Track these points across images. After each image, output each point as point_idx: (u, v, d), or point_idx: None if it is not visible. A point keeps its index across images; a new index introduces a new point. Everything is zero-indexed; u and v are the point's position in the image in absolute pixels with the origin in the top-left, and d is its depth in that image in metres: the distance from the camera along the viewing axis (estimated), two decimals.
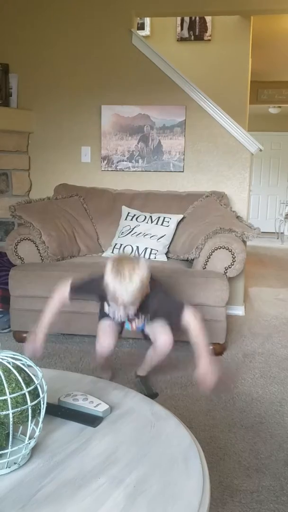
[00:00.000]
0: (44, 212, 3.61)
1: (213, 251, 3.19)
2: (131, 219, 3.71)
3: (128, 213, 3.78)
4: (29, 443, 1.14)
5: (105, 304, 2.32)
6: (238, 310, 4.18)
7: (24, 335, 3.36)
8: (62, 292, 2.31)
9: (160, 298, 2.33)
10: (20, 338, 3.38)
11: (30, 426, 1.13)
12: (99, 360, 2.62)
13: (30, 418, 1.11)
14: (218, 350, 3.22)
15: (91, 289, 2.31)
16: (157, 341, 2.41)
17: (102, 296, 2.25)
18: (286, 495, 1.84)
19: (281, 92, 8.51)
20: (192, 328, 2.13)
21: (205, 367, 1.99)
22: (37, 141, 4.33)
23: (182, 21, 5.28)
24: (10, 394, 1.08)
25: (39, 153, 4.33)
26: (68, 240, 3.59)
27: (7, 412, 1.07)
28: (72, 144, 4.28)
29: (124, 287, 2.03)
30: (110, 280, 2.06)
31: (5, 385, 1.08)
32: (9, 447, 1.09)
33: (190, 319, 2.15)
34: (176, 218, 3.68)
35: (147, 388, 2.67)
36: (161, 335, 2.39)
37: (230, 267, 3.18)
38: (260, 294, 4.99)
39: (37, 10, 4.19)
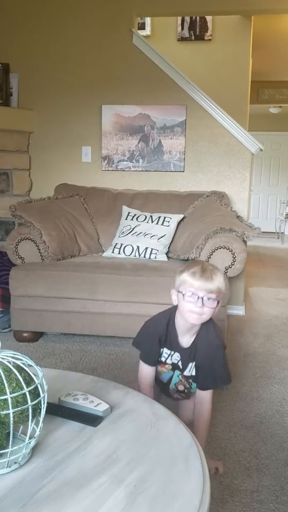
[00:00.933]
0: (44, 211, 3.61)
1: (214, 251, 3.19)
2: (132, 219, 3.71)
3: (129, 212, 3.78)
4: (30, 442, 1.14)
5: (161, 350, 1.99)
6: (239, 310, 4.18)
7: (25, 334, 3.38)
8: (144, 373, 2.00)
9: (214, 340, 1.96)
10: (20, 337, 3.38)
11: (31, 425, 1.13)
12: None
13: (30, 417, 1.11)
14: None
15: (150, 333, 2.01)
16: (202, 409, 2.00)
17: (160, 334, 1.96)
18: (286, 494, 1.84)
19: (282, 92, 8.51)
20: (205, 408, 1.94)
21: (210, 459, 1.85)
22: (37, 140, 4.33)
23: (183, 21, 5.28)
24: (10, 393, 1.08)
25: (40, 152, 4.33)
26: (68, 240, 3.59)
27: (7, 411, 1.07)
28: (73, 144, 4.29)
29: (207, 275, 1.80)
30: (187, 274, 1.82)
31: (6, 384, 1.08)
32: (10, 446, 1.09)
33: (209, 397, 1.95)
34: (176, 218, 3.68)
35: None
36: (207, 404, 1.99)
37: (230, 267, 3.18)
38: (261, 294, 4.99)
39: (38, 10, 4.19)
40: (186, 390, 2.05)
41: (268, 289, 5.22)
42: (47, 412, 1.18)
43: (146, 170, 4.17)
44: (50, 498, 1.03)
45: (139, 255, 3.53)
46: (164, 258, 3.54)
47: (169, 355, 1.97)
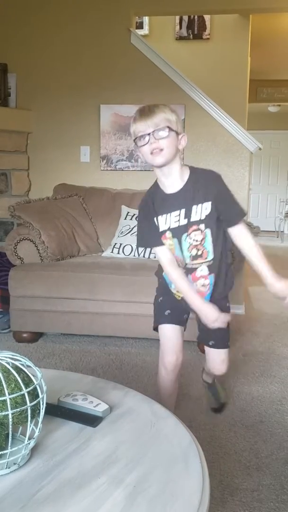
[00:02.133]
0: (43, 212, 3.60)
1: None
2: (131, 219, 3.71)
3: (128, 212, 3.77)
4: (29, 443, 1.14)
5: (159, 220, 1.90)
6: (238, 309, 4.18)
7: (24, 335, 3.37)
8: (163, 258, 1.94)
9: (215, 177, 1.98)
10: (20, 338, 3.38)
11: (30, 426, 1.12)
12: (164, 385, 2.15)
13: (29, 418, 1.11)
14: None
15: (142, 216, 1.95)
16: (213, 369, 2.19)
17: (150, 206, 1.91)
18: (286, 493, 1.84)
19: (281, 90, 8.51)
20: (249, 241, 1.91)
21: (280, 281, 1.89)
22: (36, 141, 4.32)
23: (181, 20, 5.28)
24: (9, 394, 1.08)
25: (38, 153, 4.33)
26: (67, 240, 3.59)
27: (6, 412, 1.07)
28: (71, 144, 4.28)
29: (146, 111, 1.80)
30: (131, 123, 1.82)
31: (4, 385, 1.08)
32: (9, 447, 1.09)
33: (244, 228, 1.91)
34: None
35: (215, 398, 2.46)
36: (215, 365, 2.15)
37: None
38: (260, 293, 4.98)
39: (36, 10, 4.19)
40: (200, 250, 1.89)
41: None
42: (46, 412, 1.18)
43: (145, 170, 4.17)
44: (50, 499, 1.03)
45: (138, 255, 3.53)
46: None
47: (165, 221, 1.88)
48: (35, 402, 1.12)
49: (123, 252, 3.55)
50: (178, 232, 1.88)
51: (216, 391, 2.47)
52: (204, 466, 1.17)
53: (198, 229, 1.87)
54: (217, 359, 2.14)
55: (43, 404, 1.15)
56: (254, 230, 3.29)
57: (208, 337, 2.11)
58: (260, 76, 7.39)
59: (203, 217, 1.86)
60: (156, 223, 1.90)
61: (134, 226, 3.64)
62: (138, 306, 3.16)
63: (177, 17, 5.26)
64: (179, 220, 1.87)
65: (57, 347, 3.31)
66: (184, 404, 2.52)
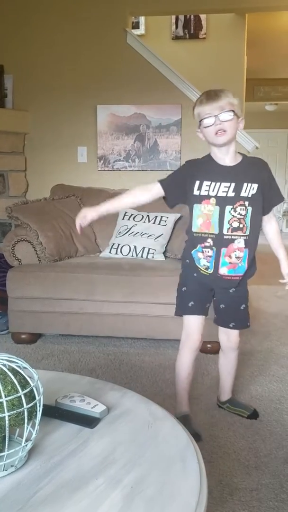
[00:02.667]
0: (41, 213, 3.60)
1: None
2: (128, 219, 3.71)
3: (125, 212, 3.77)
4: (26, 445, 1.14)
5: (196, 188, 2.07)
6: None
7: (23, 336, 3.37)
8: (152, 188, 2.21)
9: (265, 164, 2.19)
10: (18, 339, 3.38)
11: (27, 428, 1.13)
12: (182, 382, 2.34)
13: (26, 420, 1.11)
14: (216, 348, 3.20)
15: (180, 173, 2.22)
16: (228, 339, 2.37)
17: (194, 169, 2.13)
18: (285, 492, 1.84)
19: (277, 89, 8.51)
20: (276, 226, 2.24)
21: None
22: (33, 141, 4.33)
23: (177, 19, 5.29)
24: (5, 396, 1.08)
25: (35, 153, 4.33)
26: (65, 241, 3.59)
27: (3, 415, 1.07)
28: (68, 145, 4.29)
29: (212, 95, 2.00)
30: (197, 106, 2.04)
31: (1, 388, 1.08)
32: (6, 450, 1.09)
33: (273, 216, 2.22)
34: (173, 217, 3.68)
35: (244, 408, 2.44)
36: (233, 334, 2.35)
37: None
38: (259, 291, 4.99)
39: (32, 11, 4.19)
40: (242, 224, 2.05)
41: (266, 286, 5.22)
42: (43, 414, 1.18)
43: (142, 170, 4.17)
44: (47, 501, 1.03)
45: (136, 255, 3.52)
46: (162, 257, 3.54)
47: (210, 187, 2.04)
48: (32, 404, 1.12)
49: (121, 252, 3.55)
50: (222, 202, 2.03)
51: (237, 401, 2.50)
52: (202, 467, 1.17)
53: (243, 205, 2.04)
54: (234, 337, 2.37)
55: (40, 406, 1.15)
56: None
57: (228, 319, 2.34)
58: (257, 75, 7.40)
59: (249, 195, 2.04)
60: (192, 186, 2.08)
61: (132, 226, 3.64)
62: (137, 306, 3.16)
63: (173, 17, 5.27)
64: (227, 192, 2.03)
65: (56, 348, 3.31)
66: None
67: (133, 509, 1.01)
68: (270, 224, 2.23)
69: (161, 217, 3.66)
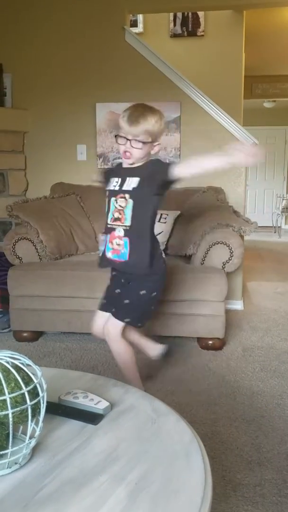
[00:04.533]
0: (41, 211, 3.60)
1: (211, 247, 3.19)
2: None
3: None
4: (30, 442, 1.14)
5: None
6: (237, 305, 4.18)
7: (24, 334, 3.37)
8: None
9: (155, 160, 2.31)
10: (20, 337, 3.38)
11: (31, 425, 1.12)
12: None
13: (30, 417, 1.11)
14: (218, 344, 3.22)
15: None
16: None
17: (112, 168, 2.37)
18: None
19: (275, 86, 8.50)
20: (190, 161, 2.32)
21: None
22: (32, 140, 4.32)
23: (175, 17, 5.27)
24: (9, 394, 1.08)
25: (35, 152, 4.32)
26: (66, 239, 3.59)
27: (6, 412, 1.07)
28: (68, 143, 4.28)
29: (133, 118, 2.11)
30: (120, 117, 2.16)
31: (4, 385, 1.08)
32: (10, 447, 1.08)
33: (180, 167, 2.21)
34: (173, 214, 3.68)
35: (168, 352, 2.68)
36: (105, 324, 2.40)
37: (228, 262, 3.18)
38: (259, 288, 4.99)
39: (30, 9, 4.18)
40: (120, 215, 2.22)
41: (266, 283, 5.23)
42: (47, 411, 1.18)
43: None
44: (52, 498, 1.03)
45: None
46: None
47: (110, 182, 2.26)
48: (35, 401, 1.12)
49: None
50: (111, 195, 2.25)
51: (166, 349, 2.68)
52: (206, 462, 1.17)
53: (124, 198, 2.20)
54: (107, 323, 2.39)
55: (43, 402, 1.15)
56: (252, 226, 3.30)
57: (112, 303, 2.41)
58: (255, 72, 7.39)
59: (130, 189, 2.18)
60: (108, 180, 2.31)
61: None
62: None
63: (171, 15, 5.26)
64: (115, 186, 2.24)
65: (57, 345, 3.31)
66: (185, 400, 2.52)
67: (138, 506, 1.01)
68: (186, 163, 2.35)
69: (161, 214, 3.66)
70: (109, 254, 2.29)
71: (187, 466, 1.15)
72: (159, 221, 3.62)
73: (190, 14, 5.22)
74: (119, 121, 2.16)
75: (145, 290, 2.33)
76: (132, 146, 2.12)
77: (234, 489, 1.83)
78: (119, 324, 2.34)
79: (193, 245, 3.28)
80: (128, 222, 2.20)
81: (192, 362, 3.03)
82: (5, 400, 1.07)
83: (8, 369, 1.11)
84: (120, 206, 2.20)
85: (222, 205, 3.72)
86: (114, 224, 2.24)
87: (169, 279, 3.09)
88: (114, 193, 2.23)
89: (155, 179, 2.17)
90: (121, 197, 2.20)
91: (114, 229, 2.24)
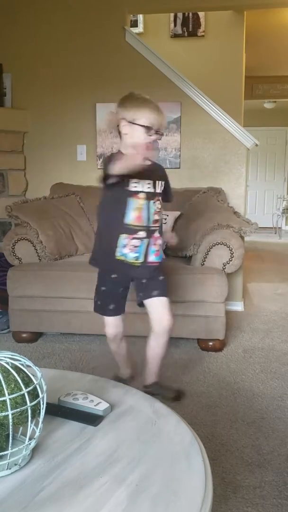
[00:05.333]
0: (41, 211, 3.60)
1: (211, 247, 3.18)
2: None
3: None
4: (30, 443, 1.13)
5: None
6: (237, 306, 4.18)
7: (24, 335, 3.37)
8: None
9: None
10: (19, 338, 3.37)
11: (30, 426, 1.12)
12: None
13: (30, 418, 1.10)
14: (218, 346, 3.21)
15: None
16: (161, 322, 2.39)
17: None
18: None
19: (276, 86, 8.50)
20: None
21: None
22: (32, 140, 4.31)
23: (175, 17, 5.27)
24: (9, 394, 1.07)
25: (35, 152, 4.31)
26: (65, 239, 3.58)
27: (6, 413, 1.06)
28: (68, 143, 4.27)
29: (154, 103, 2.18)
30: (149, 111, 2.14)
31: (4, 386, 1.07)
32: (9, 448, 1.08)
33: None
34: (173, 215, 3.67)
35: (167, 390, 2.49)
36: (164, 315, 2.38)
37: (228, 263, 3.17)
38: (259, 289, 4.99)
39: (30, 9, 4.17)
40: (159, 217, 2.29)
41: (267, 284, 5.22)
42: (46, 412, 1.18)
43: None
44: (52, 500, 1.03)
45: None
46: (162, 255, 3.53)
47: (138, 183, 2.18)
48: (35, 402, 1.12)
49: None
50: (148, 197, 2.20)
51: (165, 385, 2.54)
52: (207, 464, 1.16)
53: (159, 200, 2.26)
54: (162, 309, 2.40)
55: (43, 404, 1.15)
56: (252, 226, 3.29)
57: (151, 289, 2.41)
58: (256, 72, 7.39)
59: (160, 192, 2.26)
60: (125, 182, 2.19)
61: None
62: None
63: (172, 15, 5.25)
64: (150, 188, 2.21)
65: (57, 346, 3.31)
66: (185, 402, 2.52)
67: (138, 507, 1.00)
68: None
69: None
70: (151, 258, 2.29)
71: (188, 468, 1.14)
72: None
73: (190, 14, 5.22)
74: (150, 115, 2.12)
75: (162, 275, 2.44)
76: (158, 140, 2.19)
77: (234, 491, 1.83)
78: (168, 301, 2.41)
79: (193, 246, 3.28)
80: (160, 222, 2.31)
81: (192, 363, 3.02)
82: (5, 401, 1.07)
83: (8, 370, 1.10)
84: (158, 208, 2.24)
85: (223, 206, 3.72)
86: (154, 226, 2.26)
87: (169, 280, 3.09)
88: (150, 196, 2.21)
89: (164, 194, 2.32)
90: (157, 200, 2.24)
91: (154, 231, 2.27)
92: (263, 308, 4.27)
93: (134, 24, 5.21)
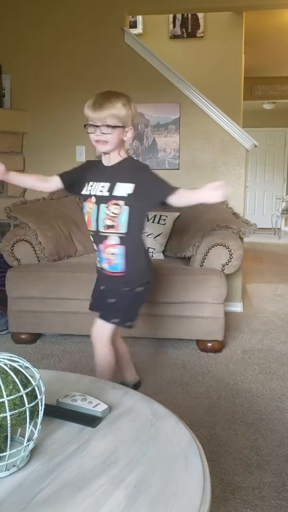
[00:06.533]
0: (39, 212, 3.59)
1: (210, 248, 3.18)
2: None
3: None
4: (28, 445, 1.13)
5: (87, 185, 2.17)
6: (237, 307, 4.18)
7: (23, 336, 3.36)
8: (52, 180, 2.28)
9: (143, 166, 2.21)
10: (18, 339, 3.37)
11: (29, 428, 1.12)
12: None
13: (28, 420, 1.10)
14: (217, 347, 3.21)
15: (78, 168, 2.30)
16: (92, 333, 2.33)
17: (89, 166, 2.26)
18: (287, 491, 1.83)
19: (275, 87, 8.50)
20: (182, 193, 2.11)
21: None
22: (31, 141, 4.31)
23: (174, 18, 5.28)
24: (7, 396, 1.07)
25: (34, 153, 4.31)
26: (64, 240, 3.58)
27: (5, 414, 1.06)
28: (67, 144, 4.27)
29: (99, 104, 2.04)
30: (85, 106, 2.08)
31: (2, 387, 1.07)
32: (8, 449, 1.08)
33: (176, 194, 2.08)
34: (172, 216, 3.68)
35: (137, 385, 2.59)
36: (95, 338, 2.33)
37: (227, 264, 3.17)
38: (258, 290, 4.98)
39: (29, 10, 4.17)
40: (115, 222, 2.10)
41: (266, 285, 5.22)
42: (45, 414, 1.18)
43: None
44: (50, 501, 1.03)
45: None
46: (161, 256, 3.54)
47: (93, 187, 2.12)
48: (33, 403, 1.11)
49: None
50: (99, 201, 2.10)
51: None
52: (205, 465, 1.16)
53: (117, 204, 2.08)
54: (97, 330, 2.30)
55: (41, 405, 1.15)
56: (251, 227, 3.29)
57: (99, 305, 2.36)
58: (255, 73, 7.38)
59: (124, 195, 2.07)
60: (84, 186, 2.17)
61: None
62: None
63: (171, 16, 5.26)
64: (102, 191, 2.10)
65: (56, 347, 3.30)
66: (184, 403, 2.52)
67: (136, 509, 1.00)
68: (178, 196, 2.11)
69: (160, 216, 3.66)
70: (104, 265, 2.23)
71: (186, 469, 1.14)
72: (158, 222, 3.62)
73: (189, 15, 5.22)
74: (85, 111, 2.08)
75: (129, 286, 2.23)
76: (102, 133, 2.03)
77: (233, 492, 1.83)
78: (108, 326, 2.26)
79: (192, 247, 3.28)
80: (124, 229, 2.11)
81: (191, 364, 3.02)
82: (3, 403, 1.07)
83: (6, 371, 1.10)
84: (113, 213, 2.08)
85: (222, 206, 3.72)
86: (105, 232, 2.14)
87: (168, 280, 3.09)
88: (102, 199, 2.09)
89: (152, 197, 2.10)
90: (115, 204, 2.08)
91: (106, 237, 2.14)
92: (262, 309, 4.27)
93: (133, 25, 5.22)
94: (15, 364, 1.13)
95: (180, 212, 3.72)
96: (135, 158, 2.26)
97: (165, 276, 3.12)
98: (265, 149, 10.40)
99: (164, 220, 3.63)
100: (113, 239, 2.13)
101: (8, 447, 1.08)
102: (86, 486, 1.07)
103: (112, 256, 2.17)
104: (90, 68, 4.16)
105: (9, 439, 1.08)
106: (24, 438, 1.14)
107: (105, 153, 2.12)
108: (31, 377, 1.15)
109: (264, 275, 5.73)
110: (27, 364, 1.16)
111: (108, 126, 2.02)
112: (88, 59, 4.15)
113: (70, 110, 4.22)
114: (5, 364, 1.12)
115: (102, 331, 2.27)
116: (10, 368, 1.11)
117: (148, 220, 3.64)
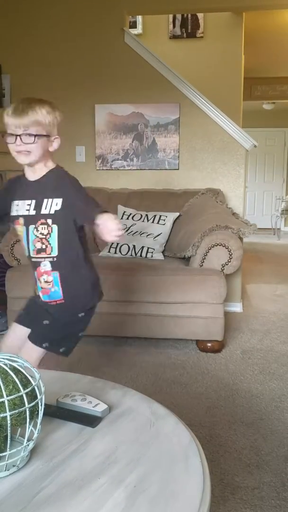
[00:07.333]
0: None
1: (210, 249, 3.18)
2: (127, 218, 3.70)
3: (124, 212, 3.77)
4: (28, 445, 1.13)
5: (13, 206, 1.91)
6: (236, 307, 4.18)
7: None
8: None
9: (70, 179, 1.92)
10: None
11: (29, 428, 1.12)
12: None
13: (28, 420, 1.10)
14: (217, 347, 3.21)
15: (9, 183, 2.02)
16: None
17: (11, 183, 1.97)
18: (287, 491, 1.83)
19: (275, 88, 8.51)
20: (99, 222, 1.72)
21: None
22: None
23: (174, 18, 5.28)
24: (7, 396, 1.07)
25: None
26: None
27: (4, 414, 1.06)
28: (66, 144, 4.25)
29: (20, 109, 1.77)
30: (5, 113, 1.79)
31: (2, 387, 1.07)
32: (8, 449, 1.08)
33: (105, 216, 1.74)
34: (172, 216, 3.68)
35: None
36: (24, 355, 1.84)
37: (227, 264, 3.17)
38: (258, 290, 4.99)
39: (29, 10, 4.18)
40: (44, 245, 1.85)
41: (266, 285, 5.22)
42: (45, 414, 1.17)
43: (140, 169, 4.16)
44: (50, 501, 1.02)
45: (135, 254, 3.52)
46: (161, 256, 3.54)
47: (19, 207, 1.88)
48: (33, 403, 1.11)
49: (120, 251, 3.55)
50: (27, 222, 1.86)
51: None
52: (205, 465, 1.16)
53: (46, 223, 1.84)
54: (26, 352, 1.93)
55: (41, 405, 1.14)
56: (251, 228, 3.29)
57: (32, 323, 2.02)
58: (254, 73, 7.40)
59: (52, 212, 1.83)
60: (10, 205, 1.91)
61: (131, 225, 3.63)
62: (136, 305, 3.16)
63: (171, 16, 5.27)
64: (29, 210, 1.86)
65: None
66: (183, 403, 2.52)
67: (136, 508, 1.00)
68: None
69: (160, 216, 3.66)
70: (41, 294, 1.95)
71: (186, 469, 1.14)
72: (158, 222, 3.62)
73: (189, 15, 5.23)
74: (4, 118, 1.79)
75: (70, 313, 2.00)
76: (23, 142, 1.78)
77: (232, 492, 1.83)
78: (38, 350, 1.95)
79: (192, 247, 3.28)
80: (55, 252, 1.86)
81: (191, 365, 3.02)
82: (3, 403, 1.06)
83: (6, 371, 1.10)
84: (41, 234, 1.84)
85: (221, 207, 3.72)
86: (38, 257, 1.88)
87: (168, 281, 3.09)
88: (31, 220, 1.85)
89: (80, 217, 1.86)
90: (42, 223, 1.83)
91: (39, 264, 1.89)
92: (262, 309, 4.27)
93: (133, 25, 5.22)
94: (15, 364, 1.13)
95: (180, 212, 3.73)
96: (64, 169, 1.99)
97: (165, 276, 3.12)
98: (264, 150, 10.41)
99: (164, 220, 3.63)
100: (46, 265, 1.88)
101: (8, 447, 1.08)
102: (86, 486, 1.07)
103: (46, 285, 1.91)
104: (90, 69, 4.16)
105: (9, 439, 1.07)
106: (24, 438, 1.14)
107: (28, 165, 1.88)
108: (31, 377, 1.15)
109: (263, 275, 5.73)
110: (27, 364, 1.16)
111: (30, 135, 1.78)
112: (88, 59, 4.15)
113: (70, 111, 4.22)
114: (5, 364, 1.12)
115: (31, 355, 1.91)
116: (10, 368, 1.11)
117: (148, 221, 3.64)
